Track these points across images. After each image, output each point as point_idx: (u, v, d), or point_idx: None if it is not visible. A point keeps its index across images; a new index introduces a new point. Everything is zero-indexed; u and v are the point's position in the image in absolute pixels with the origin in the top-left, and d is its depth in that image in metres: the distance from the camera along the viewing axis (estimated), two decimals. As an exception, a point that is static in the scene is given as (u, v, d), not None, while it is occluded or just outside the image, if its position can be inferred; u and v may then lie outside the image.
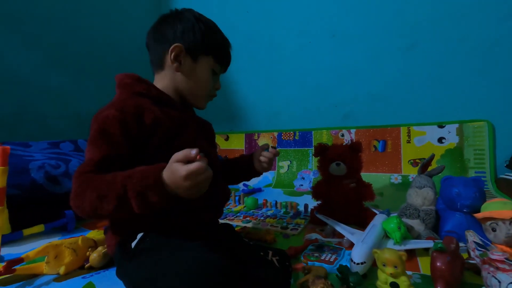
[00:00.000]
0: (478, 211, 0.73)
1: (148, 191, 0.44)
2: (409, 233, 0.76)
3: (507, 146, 1.26)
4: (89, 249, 0.70)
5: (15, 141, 1.11)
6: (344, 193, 0.91)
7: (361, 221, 0.89)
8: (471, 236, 0.63)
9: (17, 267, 0.63)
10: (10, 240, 0.86)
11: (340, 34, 1.60)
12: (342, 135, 1.60)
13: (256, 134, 1.86)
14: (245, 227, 0.96)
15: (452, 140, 1.35)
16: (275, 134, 1.79)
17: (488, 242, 0.65)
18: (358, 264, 0.59)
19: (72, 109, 1.61)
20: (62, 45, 1.58)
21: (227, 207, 1.23)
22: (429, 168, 0.93)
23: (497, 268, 0.48)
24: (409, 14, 1.43)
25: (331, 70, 1.63)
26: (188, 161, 0.43)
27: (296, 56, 1.73)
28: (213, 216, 0.67)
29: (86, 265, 0.68)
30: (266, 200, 1.23)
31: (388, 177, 1.44)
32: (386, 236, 0.74)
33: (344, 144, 0.97)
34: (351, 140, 1.57)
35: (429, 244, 0.67)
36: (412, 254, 0.70)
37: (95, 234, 0.80)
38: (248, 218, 1.04)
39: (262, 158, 0.74)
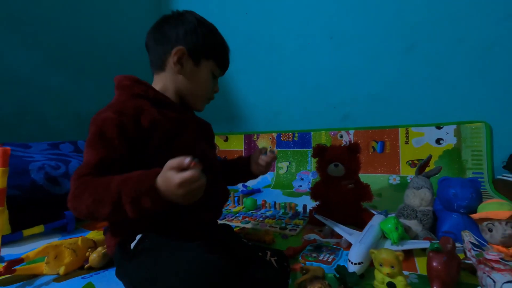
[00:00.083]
0: (475, 211, 0.74)
1: (142, 197, 0.45)
2: (406, 234, 0.77)
3: (504, 147, 1.27)
4: (89, 250, 0.71)
5: (15, 141, 1.12)
6: (342, 194, 0.92)
7: (359, 222, 0.89)
8: (467, 237, 0.64)
9: (17, 267, 0.63)
10: (10, 241, 0.86)
11: (339, 35, 1.60)
12: (341, 136, 1.61)
13: (255, 135, 1.86)
14: (244, 227, 0.96)
15: (450, 141, 1.36)
16: (274, 135, 1.80)
17: (484, 243, 0.65)
18: (355, 264, 0.60)
19: (72, 110, 1.62)
20: (62, 45, 1.58)
21: (226, 208, 1.23)
22: (427, 169, 0.93)
23: (492, 268, 0.48)
24: (407, 15, 1.44)
25: (330, 72, 1.64)
26: (182, 168, 0.43)
27: (295, 58, 1.73)
28: (213, 216, 0.67)
29: (86, 266, 0.69)
30: (265, 201, 1.24)
31: (386, 178, 1.45)
32: (383, 236, 0.75)
33: (342, 145, 0.98)
34: (349, 141, 1.58)
35: (426, 244, 0.68)
36: (409, 254, 0.70)
37: (95, 234, 0.81)
38: (247, 219, 1.05)
39: (260, 162, 0.74)
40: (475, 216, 0.72)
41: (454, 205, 0.77)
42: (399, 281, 0.52)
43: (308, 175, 1.63)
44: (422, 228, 0.79)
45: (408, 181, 1.37)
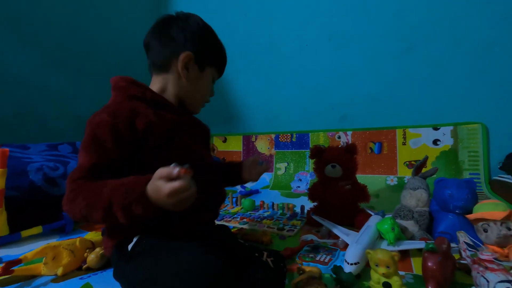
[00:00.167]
0: (471, 212, 0.75)
1: (133, 204, 0.45)
2: (403, 234, 0.77)
3: (500, 148, 1.27)
4: (87, 250, 0.71)
5: (14, 142, 1.12)
6: (339, 194, 0.92)
7: (356, 223, 0.90)
8: (462, 237, 0.65)
9: (15, 268, 0.64)
10: (8, 242, 0.86)
11: (337, 37, 1.61)
12: (339, 137, 1.62)
13: (253, 136, 1.87)
14: (242, 228, 0.96)
15: (447, 142, 1.37)
16: (273, 136, 1.81)
17: (479, 243, 0.66)
18: (351, 264, 0.60)
19: (71, 110, 1.62)
20: (62, 46, 1.59)
21: (224, 209, 1.24)
22: (423, 170, 0.94)
23: (486, 268, 0.49)
24: (405, 17, 1.45)
25: (329, 73, 1.65)
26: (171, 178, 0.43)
27: (293, 59, 1.74)
28: (210, 217, 0.68)
29: (84, 266, 0.69)
30: (263, 202, 1.24)
31: (384, 179, 1.46)
32: (380, 237, 0.75)
33: (339, 146, 0.99)
34: (346, 142, 1.58)
35: (422, 245, 0.68)
36: (405, 254, 0.71)
37: (93, 235, 0.81)
38: (245, 220, 1.05)
39: (253, 171, 0.77)
40: (470, 216, 0.73)
41: (450, 205, 0.78)
42: (395, 281, 0.52)
43: (306, 176, 1.64)
44: (418, 229, 0.79)
45: (406, 182, 1.38)
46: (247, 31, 1.86)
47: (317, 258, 0.70)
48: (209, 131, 0.77)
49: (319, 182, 0.99)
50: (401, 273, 0.62)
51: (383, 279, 0.53)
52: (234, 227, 0.98)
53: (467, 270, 0.59)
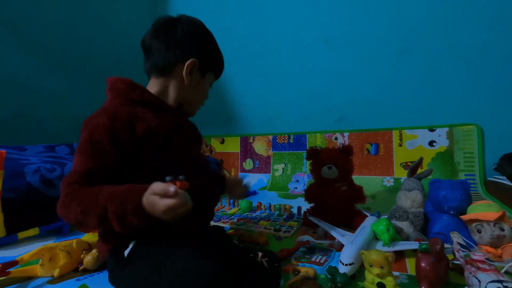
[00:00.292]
0: (465, 213, 0.76)
1: (128, 216, 0.44)
2: (398, 235, 0.78)
3: (495, 150, 1.29)
4: (83, 252, 0.71)
5: (12, 144, 1.12)
6: (336, 196, 0.93)
7: (352, 224, 0.90)
8: (456, 238, 0.65)
9: (11, 269, 0.64)
10: (5, 243, 0.86)
11: (333, 39, 1.62)
12: (336, 139, 1.63)
13: (251, 137, 1.87)
14: (238, 229, 0.97)
15: (442, 143, 1.38)
16: (270, 137, 1.81)
17: (472, 244, 0.67)
18: (346, 265, 0.61)
19: (69, 112, 1.62)
20: (59, 47, 1.59)
21: (221, 210, 1.24)
22: (418, 171, 0.95)
23: (478, 268, 0.49)
24: (400, 21, 1.46)
25: (325, 75, 1.66)
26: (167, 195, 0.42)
27: (290, 61, 1.75)
28: (205, 219, 0.68)
29: (80, 268, 0.69)
30: (260, 203, 1.24)
31: (380, 180, 1.47)
32: (375, 237, 0.76)
33: (336, 147, 0.99)
34: (342, 144, 1.59)
35: (416, 245, 0.68)
36: (400, 255, 0.71)
37: (90, 237, 0.81)
38: (242, 221, 1.06)
39: (238, 190, 0.82)
40: (464, 217, 0.74)
41: (444, 206, 0.79)
42: (389, 282, 0.53)
43: (303, 177, 1.64)
44: (413, 229, 0.80)
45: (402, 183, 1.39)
46: (245, 33, 1.87)
47: (313, 259, 0.71)
48: (202, 137, 0.76)
49: (315, 183, 1.00)
50: (396, 273, 0.63)
51: (377, 280, 0.54)
52: (231, 228, 0.98)
53: (460, 270, 0.59)
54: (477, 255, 0.52)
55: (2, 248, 0.85)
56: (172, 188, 0.41)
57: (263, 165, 1.80)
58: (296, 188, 1.61)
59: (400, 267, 0.66)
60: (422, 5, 1.41)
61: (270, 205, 1.22)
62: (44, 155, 1.12)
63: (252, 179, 1.77)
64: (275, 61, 1.79)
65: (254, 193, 1.59)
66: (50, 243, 0.71)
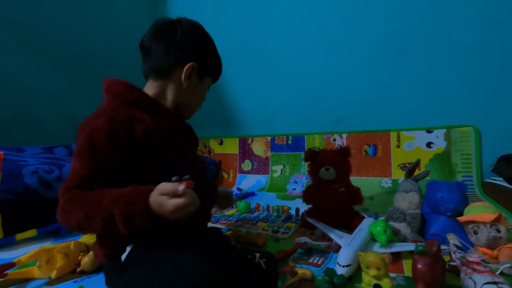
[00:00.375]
0: (461, 214, 0.76)
1: (135, 217, 0.45)
2: (395, 236, 0.78)
3: (492, 151, 1.29)
4: (81, 254, 0.71)
5: (10, 145, 1.12)
6: (333, 197, 0.93)
7: (350, 225, 0.90)
8: (452, 239, 0.66)
9: (8, 271, 0.64)
10: (2, 245, 0.86)
11: (332, 41, 1.63)
12: (334, 140, 1.63)
13: (250, 138, 1.88)
14: (236, 231, 0.97)
15: (440, 144, 1.39)
16: (269, 138, 1.81)
17: (468, 245, 0.67)
18: (343, 266, 0.61)
19: (68, 113, 1.62)
20: (58, 48, 1.59)
21: (219, 211, 1.24)
22: (416, 173, 0.95)
23: (474, 270, 0.50)
24: (398, 22, 1.47)
25: (324, 76, 1.66)
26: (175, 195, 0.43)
27: (289, 62, 1.75)
28: (203, 221, 0.68)
29: (78, 269, 0.69)
30: (259, 204, 1.25)
31: (378, 181, 1.47)
32: (373, 239, 0.76)
33: (334, 149, 1.00)
34: (339, 145, 1.59)
35: (413, 247, 0.69)
36: (397, 256, 0.72)
37: (88, 238, 0.81)
38: (240, 222, 1.06)
39: (226, 203, 0.87)
40: (461, 219, 0.74)
41: (441, 208, 0.79)
42: (385, 283, 0.53)
43: (301, 178, 1.64)
44: (410, 231, 0.80)
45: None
46: (244, 34, 1.87)
47: (310, 261, 0.71)
48: (198, 139, 0.76)
49: (313, 185, 1.00)
50: (393, 275, 0.63)
51: (374, 281, 0.54)
52: (229, 230, 0.98)
53: (457, 272, 0.60)
54: (472, 257, 0.52)
55: (0, 249, 0.85)
56: (181, 187, 0.42)
57: (262, 166, 1.80)
58: (294, 189, 1.61)
59: (397, 268, 0.67)
60: (420, 7, 1.41)
61: (268, 206, 1.22)
62: (42, 157, 1.12)
63: (251, 180, 1.78)
64: (274, 62, 1.80)
65: (253, 194, 1.59)
66: (47, 244, 0.71)
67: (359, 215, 0.95)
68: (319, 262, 0.70)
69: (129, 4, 2.03)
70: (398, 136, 1.47)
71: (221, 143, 1.98)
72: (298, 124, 1.76)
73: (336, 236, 0.79)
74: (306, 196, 1.00)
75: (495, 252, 0.67)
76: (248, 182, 1.78)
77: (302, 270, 0.62)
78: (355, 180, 1.31)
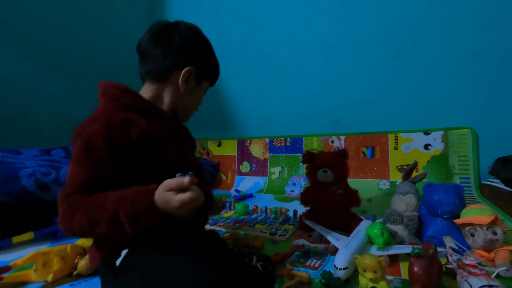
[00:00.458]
0: (458, 216, 0.76)
1: (141, 216, 0.45)
2: (393, 239, 0.78)
3: (490, 153, 1.30)
4: (78, 256, 0.71)
5: (9, 146, 1.11)
6: (331, 199, 0.93)
7: (347, 227, 0.91)
8: (448, 242, 0.66)
9: (4, 275, 0.63)
10: (-1, 248, 0.86)
11: (330, 43, 1.63)
12: (332, 142, 1.63)
13: (248, 140, 1.88)
14: (234, 233, 0.97)
15: (437, 146, 1.39)
16: (267, 140, 1.82)
17: (464, 248, 0.67)
18: (340, 269, 0.61)
19: (65, 115, 1.61)
20: (55, 50, 1.59)
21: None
22: (413, 175, 0.96)
23: (470, 273, 0.50)
24: (395, 25, 1.47)
25: (321, 78, 1.67)
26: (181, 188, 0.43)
27: (287, 64, 1.76)
28: (199, 224, 0.68)
29: (75, 273, 0.69)
30: (257, 206, 1.25)
31: (376, 183, 1.47)
32: (370, 241, 0.76)
33: (331, 151, 1.00)
34: (337, 147, 1.60)
35: (410, 249, 0.69)
36: (395, 259, 0.72)
37: (85, 241, 0.81)
38: (238, 224, 1.06)
39: (214, 212, 0.92)
40: (458, 221, 0.74)
41: (438, 210, 0.79)
42: (382, 286, 0.53)
43: (300, 180, 1.65)
44: (408, 233, 0.80)
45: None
46: (242, 36, 1.88)
47: (308, 263, 0.71)
48: (195, 142, 0.76)
49: (311, 187, 1.00)
50: (390, 277, 0.63)
51: (371, 284, 0.54)
52: (226, 232, 0.98)
53: (453, 274, 0.60)
54: (468, 260, 0.52)
55: (-4, 252, 0.84)
56: (186, 178, 0.43)
57: (260, 168, 1.80)
58: (292, 191, 1.61)
59: (394, 271, 0.67)
60: (418, 9, 1.42)
61: (266, 208, 1.22)
62: (39, 159, 1.12)
63: (249, 182, 1.78)
64: (272, 64, 1.80)
65: (251, 196, 1.59)
66: (44, 247, 0.70)
67: (357, 217, 0.95)
68: (316, 265, 0.70)
69: (128, 6, 2.03)
70: (396, 138, 1.48)
71: (219, 145, 1.98)
72: (296, 126, 1.76)
73: (333, 238, 0.79)
74: (304, 198, 1.00)
75: (492, 255, 0.67)
76: (246, 184, 1.78)
77: (299, 273, 0.62)
78: (353, 182, 1.31)
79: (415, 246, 0.67)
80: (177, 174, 0.45)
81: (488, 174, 1.27)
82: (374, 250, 0.72)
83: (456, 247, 0.64)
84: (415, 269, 0.54)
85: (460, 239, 0.73)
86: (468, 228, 0.72)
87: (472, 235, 0.71)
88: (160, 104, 0.64)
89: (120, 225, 0.45)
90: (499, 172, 1.21)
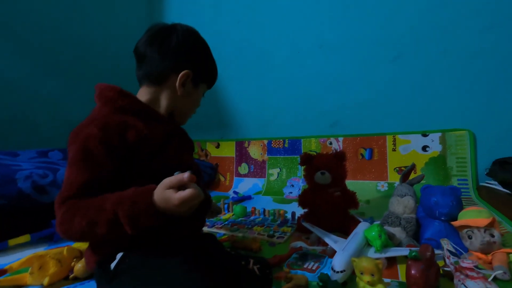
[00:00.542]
0: (456, 218, 0.76)
1: (140, 216, 0.45)
2: (390, 241, 0.78)
3: (487, 155, 1.30)
4: (74, 260, 0.70)
5: (5, 149, 1.11)
6: (329, 201, 0.93)
7: (345, 229, 0.90)
8: (446, 244, 0.66)
9: (0, 278, 0.63)
10: (-6, 251, 0.85)
11: (328, 44, 1.64)
12: (330, 143, 1.63)
13: (246, 141, 1.88)
14: (232, 235, 0.97)
15: (435, 148, 1.39)
16: (265, 142, 1.82)
17: (462, 251, 0.67)
18: (338, 272, 0.61)
19: (63, 116, 1.61)
20: (54, 51, 1.59)
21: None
22: (411, 177, 0.96)
23: (467, 276, 0.50)
24: (394, 26, 1.48)
25: (320, 80, 1.67)
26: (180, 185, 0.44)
27: (285, 66, 1.76)
28: (197, 226, 0.68)
29: (71, 276, 0.68)
30: (255, 208, 1.24)
31: (374, 185, 1.47)
32: (368, 244, 0.76)
33: (329, 153, 1.00)
34: (335, 149, 1.60)
35: (407, 252, 0.69)
36: (392, 261, 0.71)
37: (81, 244, 0.80)
38: (236, 226, 1.05)
39: (213, 215, 0.93)
40: (455, 223, 0.74)
41: (435, 212, 0.79)
42: (379, 289, 0.53)
43: (298, 182, 1.64)
44: (405, 235, 0.80)
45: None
46: (240, 37, 1.88)
47: (305, 266, 0.71)
48: (193, 144, 0.76)
49: (309, 189, 1.00)
50: (387, 280, 0.63)
51: (368, 287, 0.54)
52: (224, 234, 0.98)
53: (451, 277, 0.60)
54: (466, 263, 0.52)
55: (-8, 255, 0.84)
56: (186, 175, 0.43)
57: (258, 169, 1.80)
58: (291, 192, 1.61)
59: (392, 273, 0.67)
60: (417, 10, 1.42)
61: (264, 210, 1.22)
62: (36, 161, 1.12)
63: (247, 184, 1.78)
64: (271, 66, 1.80)
65: (249, 197, 1.59)
66: (41, 250, 0.70)
67: (355, 219, 0.95)
68: (313, 268, 0.70)
69: (126, 7, 2.03)
70: (394, 140, 1.48)
71: (217, 146, 1.98)
72: (295, 127, 1.76)
73: (331, 240, 0.79)
74: (302, 200, 0.99)
75: (489, 257, 0.67)
76: (244, 185, 1.78)
77: (297, 276, 0.61)
78: (351, 183, 1.31)
79: (412, 248, 0.67)
80: (176, 172, 0.45)
81: (486, 176, 1.27)
82: (372, 253, 0.72)
83: (453, 250, 0.64)
84: (413, 271, 0.54)
85: (457, 241, 0.72)
86: (465, 230, 0.72)
87: (470, 237, 0.71)
88: (157, 107, 0.64)
89: (120, 226, 0.45)
90: (497, 174, 1.21)
